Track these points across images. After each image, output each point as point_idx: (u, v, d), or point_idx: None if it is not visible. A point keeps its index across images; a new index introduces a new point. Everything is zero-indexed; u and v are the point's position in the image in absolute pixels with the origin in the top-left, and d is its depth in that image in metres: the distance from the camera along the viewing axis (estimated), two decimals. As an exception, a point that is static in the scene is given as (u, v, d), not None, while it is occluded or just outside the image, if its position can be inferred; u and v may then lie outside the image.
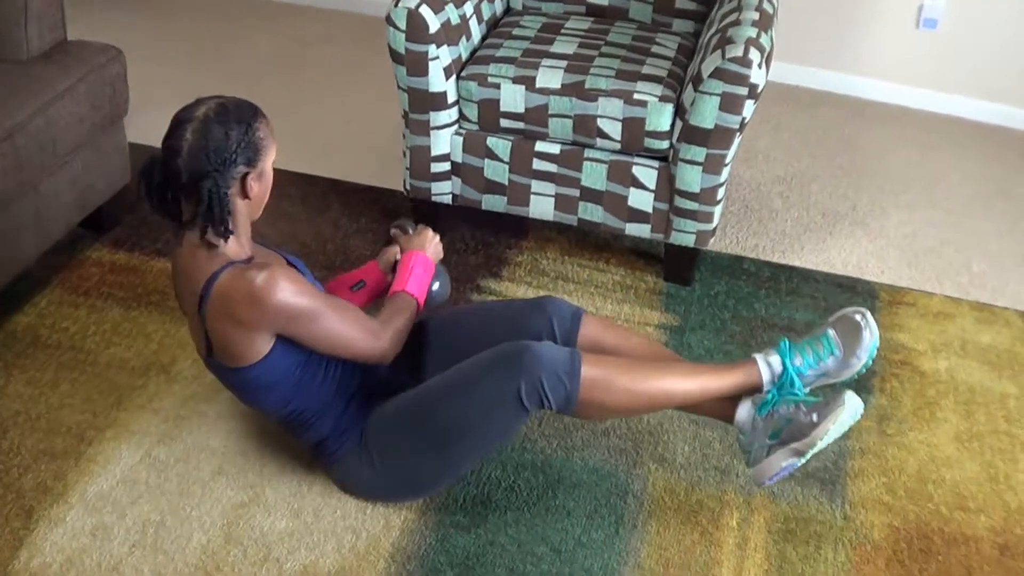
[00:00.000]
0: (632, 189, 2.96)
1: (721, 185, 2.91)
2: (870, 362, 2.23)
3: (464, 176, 3.07)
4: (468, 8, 3.08)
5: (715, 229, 3.01)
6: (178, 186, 2.04)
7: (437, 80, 2.92)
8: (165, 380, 2.62)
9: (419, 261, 2.39)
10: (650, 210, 2.98)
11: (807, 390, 2.24)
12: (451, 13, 2.96)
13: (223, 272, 2.05)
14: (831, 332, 2.24)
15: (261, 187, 2.11)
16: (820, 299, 3.08)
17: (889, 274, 3.23)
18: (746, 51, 2.72)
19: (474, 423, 2.18)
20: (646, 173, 2.94)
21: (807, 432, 2.16)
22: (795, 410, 2.19)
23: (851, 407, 2.15)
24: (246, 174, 2.05)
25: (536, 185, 3.03)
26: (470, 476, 2.41)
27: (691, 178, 2.89)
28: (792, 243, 3.34)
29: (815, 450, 2.16)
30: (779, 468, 2.19)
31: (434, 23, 2.87)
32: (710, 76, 2.75)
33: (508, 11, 3.42)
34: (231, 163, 2.02)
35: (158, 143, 2.07)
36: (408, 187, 3.13)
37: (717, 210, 2.97)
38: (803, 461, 2.20)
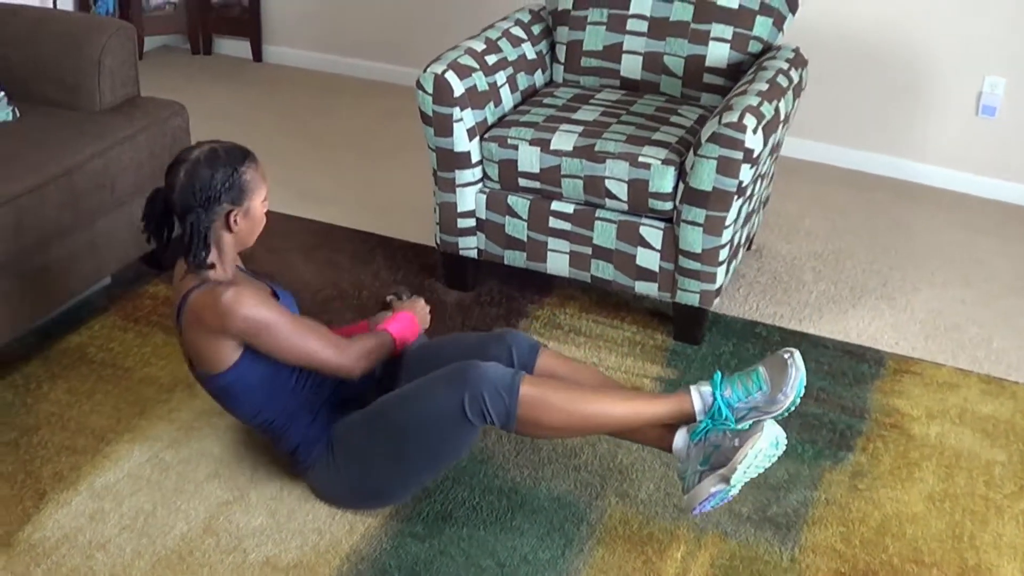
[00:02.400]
0: (640, 248, 3.12)
1: (723, 246, 3.05)
2: (798, 400, 2.33)
3: (488, 232, 3.30)
4: (500, 77, 3.34)
5: (719, 289, 3.14)
6: (172, 217, 2.38)
7: (461, 140, 3.17)
8: (188, 395, 2.90)
9: (405, 317, 2.63)
10: (657, 269, 3.13)
11: (743, 425, 2.34)
12: (478, 80, 3.22)
13: (197, 288, 2.35)
14: (761, 369, 2.36)
15: (247, 223, 2.39)
16: (824, 364, 3.15)
17: (903, 345, 3.27)
18: (741, 117, 2.89)
19: (424, 432, 2.36)
20: (652, 233, 3.10)
21: (730, 456, 2.27)
22: (723, 436, 2.32)
23: (769, 434, 2.27)
24: (230, 211, 2.35)
25: (552, 242, 3.22)
26: (437, 493, 2.58)
27: (693, 239, 3.04)
28: (812, 313, 3.42)
29: (738, 476, 2.26)
30: (707, 494, 2.30)
31: (459, 88, 3.13)
32: (707, 140, 2.92)
33: (550, 83, 3.66)
34: (215, 201, 2.32)
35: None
36: (439, 241, 3.38)
37: (720, 271, 3.10)
38: (732, 490, 2.30)
